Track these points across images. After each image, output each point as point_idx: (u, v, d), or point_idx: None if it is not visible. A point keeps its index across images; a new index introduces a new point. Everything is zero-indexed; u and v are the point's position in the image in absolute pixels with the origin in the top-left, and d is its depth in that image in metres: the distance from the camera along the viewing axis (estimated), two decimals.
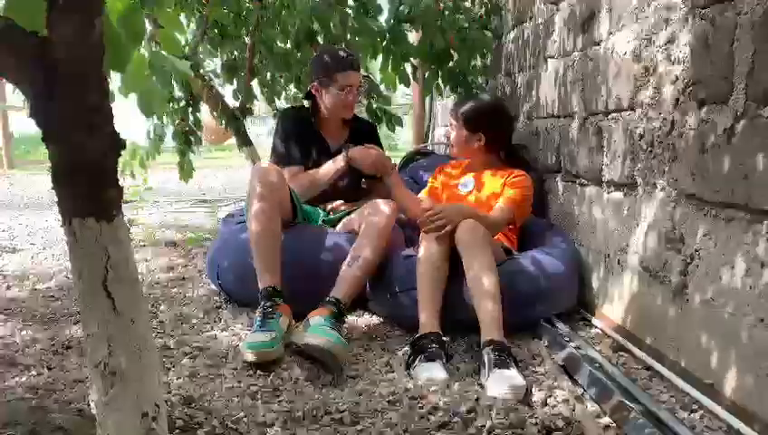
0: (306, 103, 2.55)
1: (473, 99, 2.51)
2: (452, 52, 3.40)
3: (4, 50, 0.82)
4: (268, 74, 4.29)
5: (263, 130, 11.27)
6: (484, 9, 3.49)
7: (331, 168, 2.34)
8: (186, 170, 3.99)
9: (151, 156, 3.90)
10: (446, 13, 3.33)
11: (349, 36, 3.26)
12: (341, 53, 2.39)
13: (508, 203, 2.18)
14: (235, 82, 4.14)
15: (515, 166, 2.36)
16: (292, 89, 4.40)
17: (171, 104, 3.80)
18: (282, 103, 4.51)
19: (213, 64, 4.43)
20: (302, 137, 2.43)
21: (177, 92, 3.82)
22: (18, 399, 1.42)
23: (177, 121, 3.85)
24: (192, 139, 3.96)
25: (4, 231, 4.10)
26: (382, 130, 3.21)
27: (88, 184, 0.87)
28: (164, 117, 3.83)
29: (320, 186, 2.35)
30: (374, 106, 3.71)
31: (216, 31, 3.83)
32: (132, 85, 1.14)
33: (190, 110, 3.89)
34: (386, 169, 2.36)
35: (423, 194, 2.50)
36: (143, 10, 1.05)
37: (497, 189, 2.26)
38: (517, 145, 2.56)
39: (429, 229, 1.96)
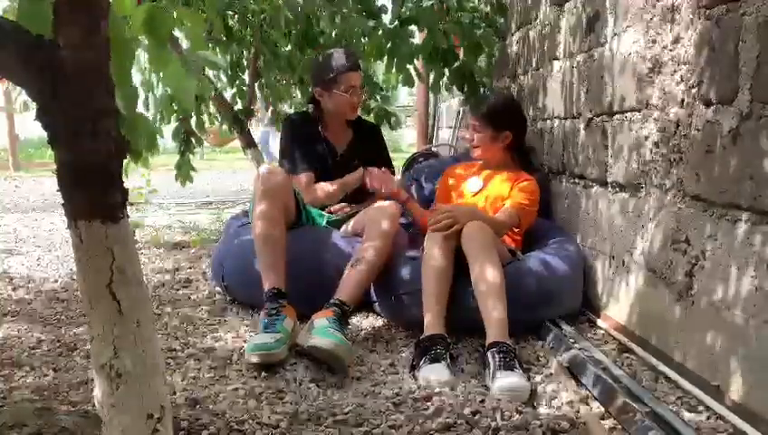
0: (310, 108, 2.55)
1: (491, 98, 2.50)
2: (458, 51, 3.39)
3: (11, 52, 0.82)
4: (271, 76, 4.28)
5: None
6: (490, 7, 3.48)
7: (346, 182, 2.38)
8: (183, 172, 3.98)
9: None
10: (450, 12, 3.32)
11: (354, 39, 3.27)
12: (340, 55, 2.39)
13: (515, 207, 2.18)
14: (236, 84, 4.14)
15: (525, 167, 2.36)
16: (297, 93, 4.40)
17: (173, 105, 3.80)
18: (284, 108, 4.51)
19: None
20: (308, 142, 2.44)
21: None
22: (24, 400, 1.43)
23: (177, 123, 3.85)
24: (192, 139, 3.96)
25: (9, 233, 4.12)
26: (384, 131, 3.21)
27: (93, 186, 0.87)
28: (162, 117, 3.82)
29: (333, 199, 2.39)
30: (372, 106, 3.71)
31: (221, 34, 3.83)
32: (171, 83, 1.15)
33: (193, 111, 3.89)
34: (401, 197, 2.35)
35: (435, 205, 2.50)
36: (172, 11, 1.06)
37: (505, 192, 2.26)
38: (530, 148, 2.56)
39: (437, 228, 1.96)
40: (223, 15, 3.48)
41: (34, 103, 0.87)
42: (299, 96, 4.45)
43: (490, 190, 2.31)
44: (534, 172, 2.43)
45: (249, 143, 4.06)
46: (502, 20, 3.44)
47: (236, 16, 3.67)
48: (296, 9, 3.22)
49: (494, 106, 2.37)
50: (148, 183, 4.19)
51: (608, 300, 2.02)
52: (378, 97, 3.92)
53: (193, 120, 3.91)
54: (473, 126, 2.40)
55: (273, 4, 3.24)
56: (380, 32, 3.26)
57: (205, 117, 4.10)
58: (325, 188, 2.38)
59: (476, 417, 1.36)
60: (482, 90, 3.50)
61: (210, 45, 3.89)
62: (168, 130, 3.91)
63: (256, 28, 3.63)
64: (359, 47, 3.27)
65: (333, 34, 3.27)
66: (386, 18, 3.36)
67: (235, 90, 4.12)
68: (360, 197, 2.47)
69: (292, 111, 4.48)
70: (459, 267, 1.91)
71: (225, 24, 3.63)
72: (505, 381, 1.50)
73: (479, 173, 2.40)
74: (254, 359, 1.66)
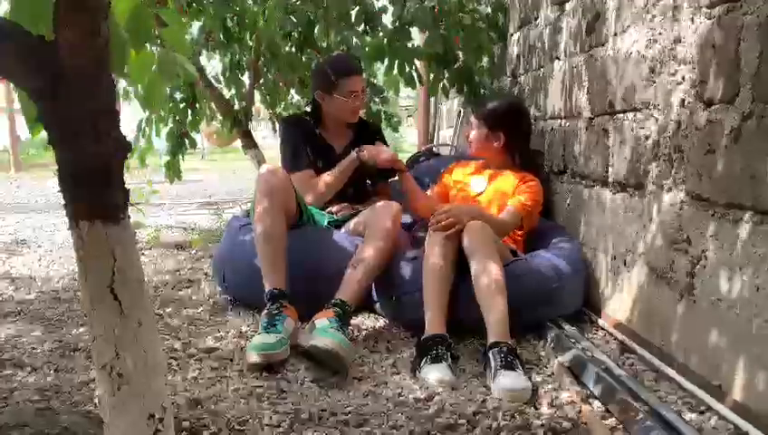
0: (309, 108, 2.55)
1: (495, 99, 2.52)
2: (458, 52, 3.39)
3: (12, 53, 0.82)
4: (271, 78, 4.27)
5: (267, 132, 11.29)
6: (491, 7, 3.48)
7: (343, 166, 2.35)
8: (173, 171, 3.99)
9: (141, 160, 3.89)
10: (450, 14, 3.32)
11: (354, 41, 3.27)
12: (343, 59, 2.39)
13: (518, 208, 2.18)
14: (235, 85, 4.13)
15: (529, 170, 2.36)
16: (294, 95, 4.39)
17: (170, 104, 3.80)
18: (280, 110, 4.50)
19: (212, 66, 4.43)
20: (306, 142, 2.44)
21: (178, 93, 3.82)
22: (26, 401, 1.43)
23: (171, 122, 3.86)
24: (186, 140, 3.96)
25: (11, 233, 4.12)
26: (387, 131, 3.22)
27: (94, 187, 0.87)
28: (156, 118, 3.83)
29: (335, 187, 2.37)
30: (374, 109, 3.71)
31: (220, 35, 3.83)
32: (136, 78, 1.14)
33: (189, 111, 3.89)
34: (399, 163, 2.38)
35: (431, 192, 2.51)
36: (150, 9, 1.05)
37: (508, 192, 2.26)
38: (534, 151, 2.56)
39: (438, 228, 1.96)
40: (222, 18, 3.48)
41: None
42: (294, 99, 4.45)
43: (493, 191, 2.31)
44: (538, 174, 2.44)
45: (250, 144, 4.06)
46: (502, 20, 3.44)
47: (235, 18, 3.67)
48: (295, 10, 3.24)
49: (493, 107, 2.41)
50: (149, 183, 4.19)
51: (609, 300, 2.02)
52: (376, 99, 3.92)
53: (187, 120, 3.91)
54: (471, 122, 2.43)
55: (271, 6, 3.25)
56: (381, 33, 3.26)
57: (202, 117, 4.10)
58: (323, 180, 2.36)
59: (478, 417, 1.36)
60: (482, 91, 3.50)
61: (209, 48, 3.90)
62: (163, 131, 3.92)
63: (257, 30, 3.62)
64: (357, 51, 3.26)
65: (331, 39, 3.28)
66: (386, 19, 3.36)
67: (233, 91, 4.12)
68: (362, 196, 2.46)
69: (284, 114, 4.48)
70: (460, 267, 1.91)
71: (223, 26, 3.63)
72: (507, 381, 1.50)
73: (482, 173, 2.40)
74: (256, 359, 1.66)
